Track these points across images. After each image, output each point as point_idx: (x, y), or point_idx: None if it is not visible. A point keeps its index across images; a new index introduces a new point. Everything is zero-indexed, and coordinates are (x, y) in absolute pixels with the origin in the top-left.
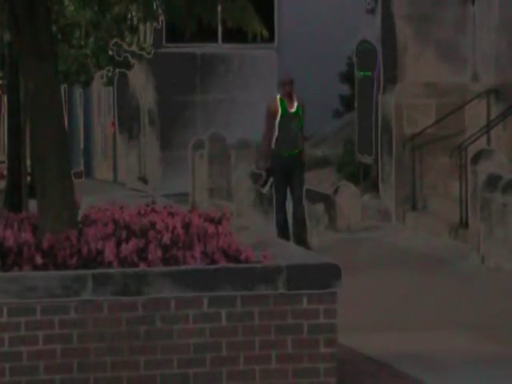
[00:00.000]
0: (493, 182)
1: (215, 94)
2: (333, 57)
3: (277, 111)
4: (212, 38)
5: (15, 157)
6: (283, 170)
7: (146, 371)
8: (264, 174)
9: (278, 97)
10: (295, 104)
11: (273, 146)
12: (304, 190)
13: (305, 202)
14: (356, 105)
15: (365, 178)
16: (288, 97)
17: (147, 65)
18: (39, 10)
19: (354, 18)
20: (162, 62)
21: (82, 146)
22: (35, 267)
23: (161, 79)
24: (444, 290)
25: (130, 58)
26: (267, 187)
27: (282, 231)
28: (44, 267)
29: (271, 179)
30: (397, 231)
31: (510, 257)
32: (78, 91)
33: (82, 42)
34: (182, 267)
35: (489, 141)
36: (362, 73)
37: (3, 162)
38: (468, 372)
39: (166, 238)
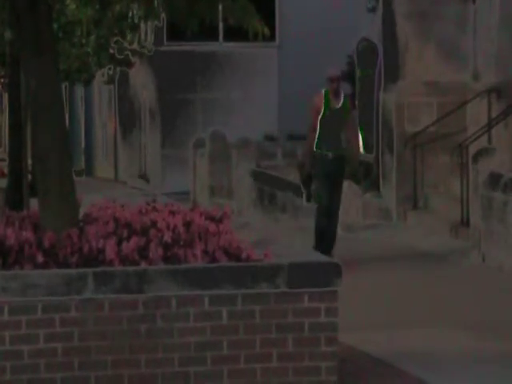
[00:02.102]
0: (494, 180)
1: (216, 93)
2: (334, 55)
3: (320, 107)
4: (213, 36)
5: (16, 155)
6: (326, 172)
7: (147, 369)
8: (302, 185)
9: (324, 91)
10: (341, 101)
11: (314, 146)
12: (341, 199)
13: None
14: (357, 103)
15: (366, 176)
16: (334, 94)
17: (148, 63)
18: (40, 8)
19: (355, 16)
20: (162, 61)
21: (82, 144)
22: (36, 265)
23: (162, 77)
24: (445, 289)
25: (130, 57)
26: (312, 198)
27: (323, 239)
28: (45, 265)
29: (312, 187)
30: (398, 230)
31: (510, 255)
32: (79, 89)
33: (83, 40)
34: (183, 265)
35: (490, 139)
36: (362, 71)
37: (4, 161)
38: (468, 370)
39: (167, 237)
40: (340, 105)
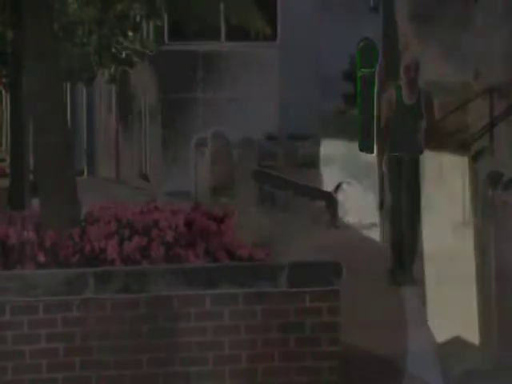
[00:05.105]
0: (494, 179)
1: (218, 92)
2: (335, 55)
3: (391, 106)
4: (215, 35)
5: (18, 155)
6: (401, 178)
7: (149, 369)
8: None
9: (394, 87)
10: (416, 95)
11: (388, 149)
12: (420, 209)
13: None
14: (358, 103)
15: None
16: (409, 85)
17: (149, 62)
18: (42, 8)
19: (357, 15)
20: (164, 60)
21: (84, 143)
22: (38, 265)
23: (163, 77)
24: (444, 288)
25: (132, 56)
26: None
27: (400, 250)
28: (46, 265)
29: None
30: None
31: (510, 255)
32: (80, 89)
33: (85, 40)
34: (185, 265)
35: (491, 139)
36: (363, 71)
37: (5, 161)
38: (471, 370)
39: (169, 236)
40: (415, 99)
